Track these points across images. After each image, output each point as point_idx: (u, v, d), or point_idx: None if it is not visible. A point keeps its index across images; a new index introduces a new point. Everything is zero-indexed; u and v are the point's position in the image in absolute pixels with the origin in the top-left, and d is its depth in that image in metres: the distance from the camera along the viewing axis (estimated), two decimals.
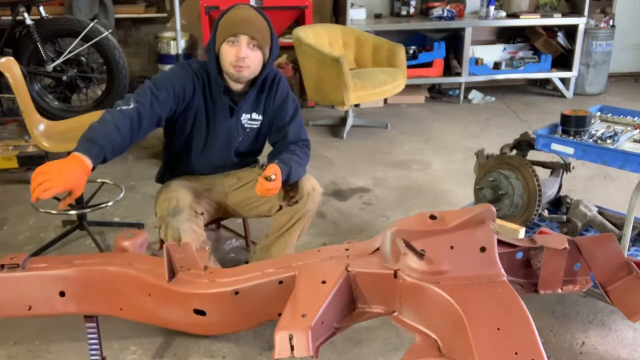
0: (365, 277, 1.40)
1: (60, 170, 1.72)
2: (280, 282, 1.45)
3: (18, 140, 3.83)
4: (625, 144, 2.24)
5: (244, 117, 2.29)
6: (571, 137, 2.29)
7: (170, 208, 2.12)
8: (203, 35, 5.14)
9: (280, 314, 1.29)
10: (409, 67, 5.04)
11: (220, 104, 2.23)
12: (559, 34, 5.76)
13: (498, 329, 1.17)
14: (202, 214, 2.22)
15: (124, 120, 1.93)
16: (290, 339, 1.20)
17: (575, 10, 5.73)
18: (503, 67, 5.74)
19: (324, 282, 1.35)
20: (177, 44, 4.31)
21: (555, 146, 2.28)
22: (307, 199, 2.22)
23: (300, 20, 5.32)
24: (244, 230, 2.83)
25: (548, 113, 5.26)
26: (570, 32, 5.71)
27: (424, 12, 5.77)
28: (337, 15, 5.75)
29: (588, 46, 5.74)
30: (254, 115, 2.30)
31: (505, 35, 6.11)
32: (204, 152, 2.31)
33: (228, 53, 2.10)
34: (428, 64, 5.58)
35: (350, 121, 4.78)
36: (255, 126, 2.32)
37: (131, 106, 1.98)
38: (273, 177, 2.03)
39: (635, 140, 2.28)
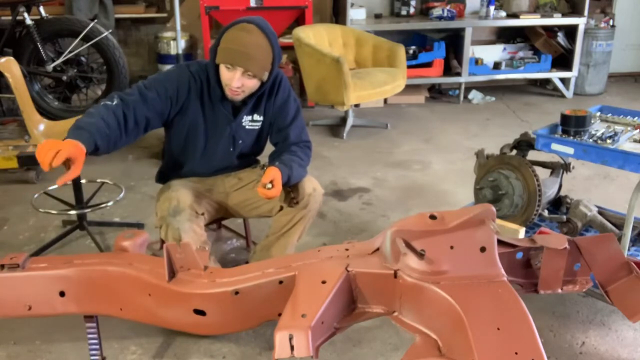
0: (365, 277, 1.40)
1: (61, 142, 1.72)
2: (280, 282, 1.45)
3: (18, 140, 3.83)
4: (625, 144, 2.24)
5: (245, 120, 2.28)
6: (571, 137, 2.29)
7: (170, 208, 2.12)
8: (203, 35, 5.14)
9: (280, 314, 1.29)
10: (409, 67, 5.03)
11: (220, 108, 2.22)
12: (559, 34, 5.76)
13: (498, 329, 1.17)
14: (202, 214, 2.22)
15: (108, 113, 1.93)
16: (290, 339, 1.20)
17: (575, 10, 5.73)
18: (503, 67, 5.73)
19: (324, 282, 1.35)
20: (177, 44, 4.31)
21: (555, 146, 2.28)
22: (307, 200, 2.22)
23: (300, 20, 5.32)
24: (244, 230, 2.83)
25: (548, 113, 5.25)
26: (570, 32, 5.71)
27: (424, 12, 5.77)
28: (337, 15, 5.75)
29: (588, 46, 5.74)
30: (255, 117, 2.29)
31: (505, 35, 6.11)
32: (205, 155, 2.30)
33: (225, 75, 2.10)
34: (428, 64, 5.57)
35: (350, 121, 4.78)
36: (256, 127, 2.32)
37: (114, 102, 1.98)
38: (269, 186, 2.03)
39: (635, 140, 2.28)
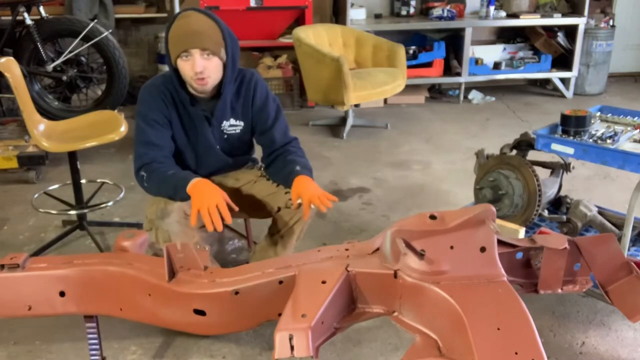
0: (365, 277, 1.40)
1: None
2: (280, 282, 1.45)
3: (18, 140, 3.83)
4: (625, 144, 2.24)
5: (224, 125, 2.24)
6: (571, 137, 2.29)
7: (158, 211, 2.11)
8: None
9: (280, 314, 1.29)
10: (409, 67, 5.04)
11: (196, 114, 2.19)
12: (559, 34, 5.76)
13: (498, 329, 1.17)
14: None
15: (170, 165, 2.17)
16: (290, 339, 1.20)
17: (575, 10, 5.73)
18: (503, 67, 5.73)
19: (324, 282, 1.35)
20: None
21: (555, 146, 2.28)
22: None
23: (300, 20, 5.32)
24: (245, 230, 2.83)
25: (548, 113, 5.25)
26: (570, 32, 5.71)
27: (424, 12, 5.77)
28: (337, 15, 5.75)
29: (588, 46, 5.74)
30: (232, 122, 2.25)
31: (505, 35, 6.11)
32: (196, 162, 2.28)
33: (185, 68, 2.05)
34: (428, 64, 5.58)
35: (350, 121, 4.78)
36: (235, 132, 2.27)
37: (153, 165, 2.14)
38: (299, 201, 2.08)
39: (635, 140, 2.28)
